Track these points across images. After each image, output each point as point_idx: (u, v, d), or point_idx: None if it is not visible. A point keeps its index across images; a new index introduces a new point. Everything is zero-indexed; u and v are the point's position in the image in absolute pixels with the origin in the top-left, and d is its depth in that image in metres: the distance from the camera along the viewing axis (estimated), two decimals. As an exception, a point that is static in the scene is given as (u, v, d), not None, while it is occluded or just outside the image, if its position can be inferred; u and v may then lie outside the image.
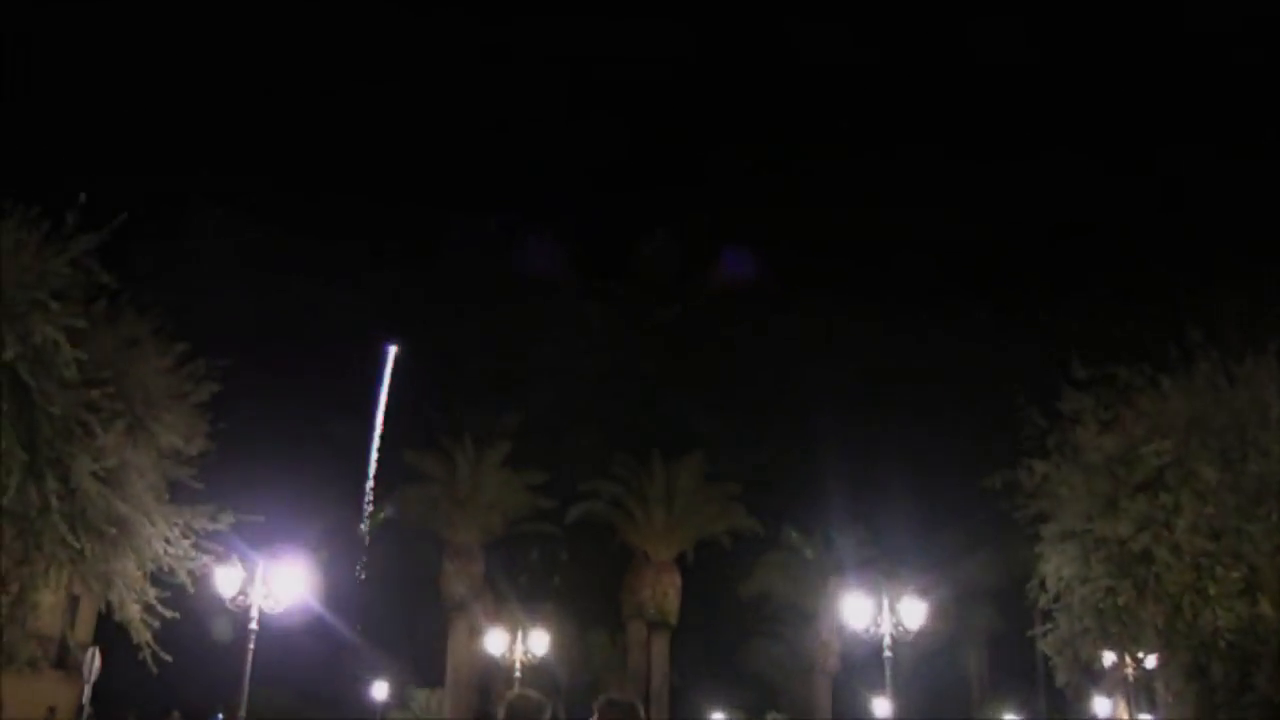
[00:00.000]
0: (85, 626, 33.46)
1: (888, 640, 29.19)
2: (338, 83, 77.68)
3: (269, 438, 46.69)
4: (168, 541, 21.42)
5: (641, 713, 8.35)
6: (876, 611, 29.69)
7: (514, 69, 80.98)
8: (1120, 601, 21.94)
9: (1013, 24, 69.86)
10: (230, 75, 72.76)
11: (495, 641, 44.91)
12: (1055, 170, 68.51)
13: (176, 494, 22.15)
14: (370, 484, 67.81)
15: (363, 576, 63.41)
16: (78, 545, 19.82)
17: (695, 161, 78.96)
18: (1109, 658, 26.15)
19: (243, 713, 24.15)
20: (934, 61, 75.89)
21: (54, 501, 19.26)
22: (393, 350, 77.32)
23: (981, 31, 70.09)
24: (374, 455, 72.06)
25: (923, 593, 30.55)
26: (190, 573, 21.98)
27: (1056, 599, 23.41)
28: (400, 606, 56.91)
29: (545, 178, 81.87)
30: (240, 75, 71.69)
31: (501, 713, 8.39)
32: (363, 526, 51.23)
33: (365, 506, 61.95)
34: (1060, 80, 68.92)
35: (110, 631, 23.96)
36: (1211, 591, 20.99)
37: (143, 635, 21.40)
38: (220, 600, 25.55)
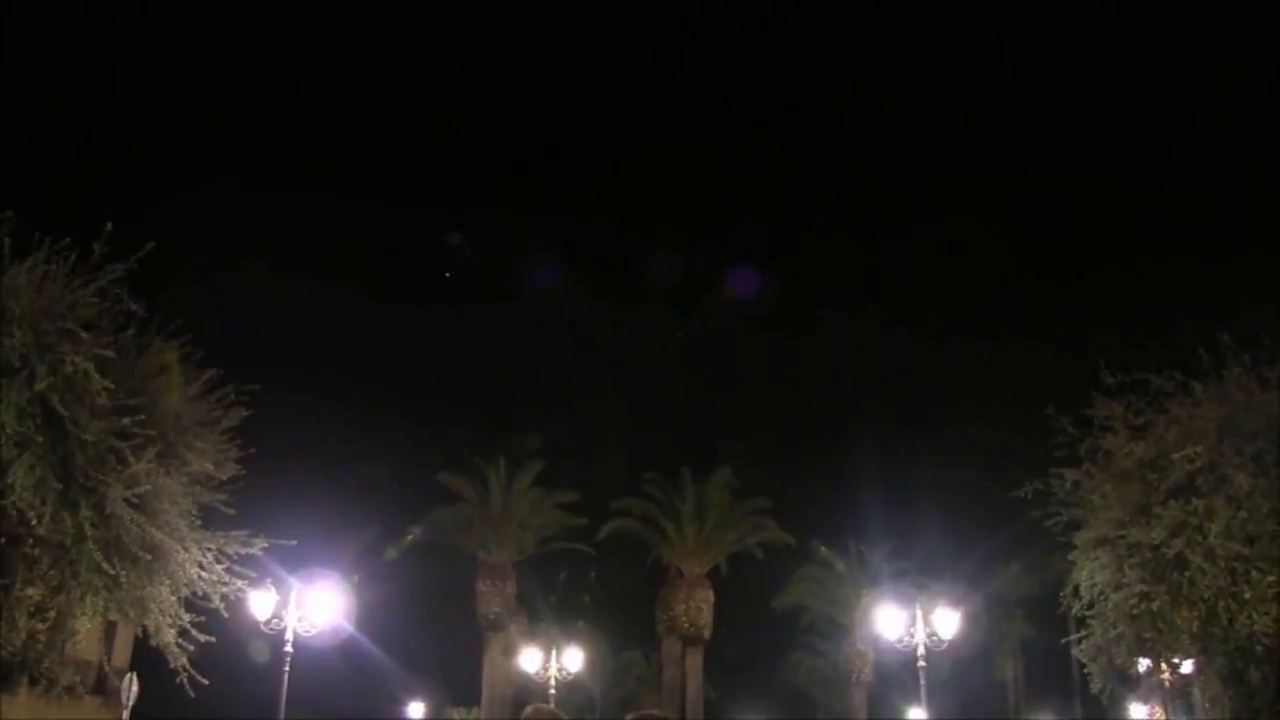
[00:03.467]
0: (122, 652, 33.58)
1: (921, 650, 29.23)
2: (357, 106, 78.03)
3: (301, 461, 46.81)
4: (201, 567, 21.48)
5: None
6: (910, 622, 29.75)
7: (518, 88, 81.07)
8: (1154, 607, 21.76)
9: (1038, 41, 69.83)
10: (250, 92, 73.25)
11: (530, 660, 45.05)
12: (1083, 176, 68.30)
13: (209, 519, 22.21)
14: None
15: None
16: (113, 572, 19.91)
17: (711, 177, 78.75)
18: (1144, 664, 25.91)
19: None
20: (961, 75, 75.64)
21: (88, 529, 19.35)
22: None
23: (1005, 47, 70.06)
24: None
25: (955, 603, 30.54)
26: (224, 597, 22.03)
27: (1090, 606, 23.23)
28: (434, 627, 56.95)
29: (558, 195, 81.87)
30: (258, 93, 72.10)
31: None
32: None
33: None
34: (1086, 83, 68.74)
35: (147, 656, 24.11)
36: (1247, 596, 20.82)
37: (179, 659, 21.45)
38: (255, 624, 25.72)
